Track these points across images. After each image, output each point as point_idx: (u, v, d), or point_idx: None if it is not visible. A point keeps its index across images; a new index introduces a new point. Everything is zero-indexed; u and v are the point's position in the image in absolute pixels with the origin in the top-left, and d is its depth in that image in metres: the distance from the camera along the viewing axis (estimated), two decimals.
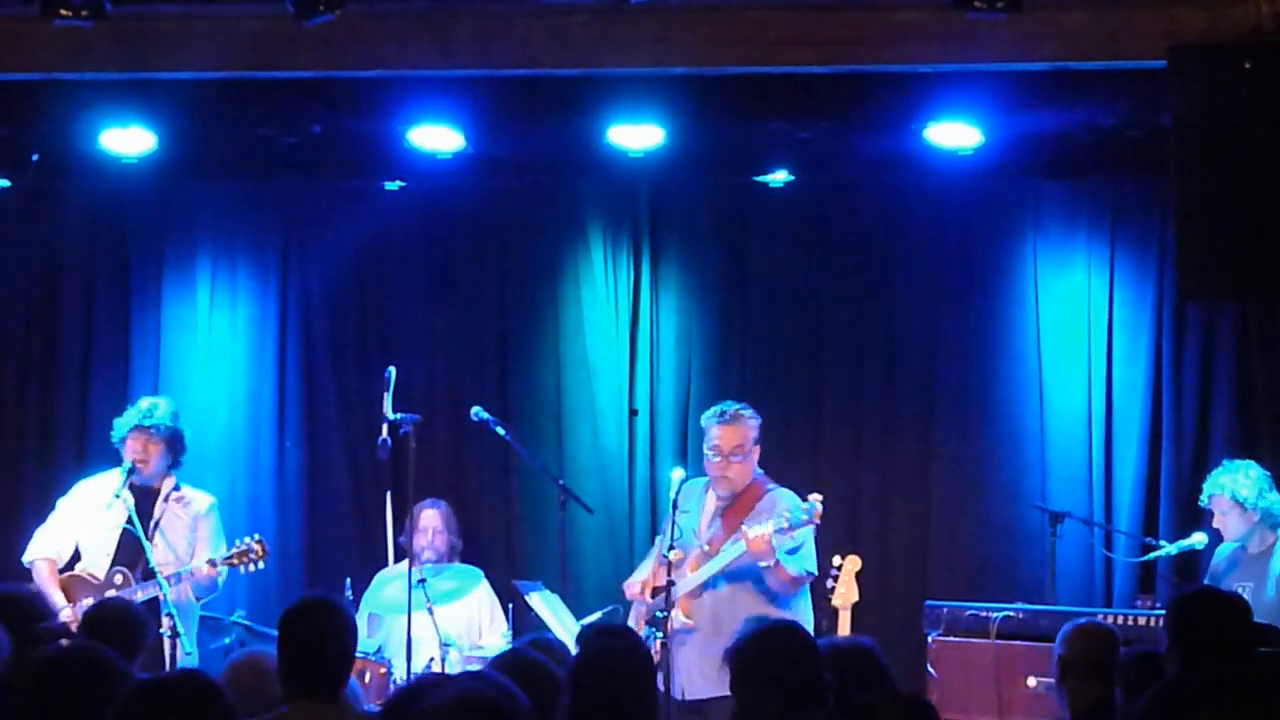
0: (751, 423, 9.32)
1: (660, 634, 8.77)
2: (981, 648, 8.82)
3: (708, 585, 9.12)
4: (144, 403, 9.83)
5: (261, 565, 9.52)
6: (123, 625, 6.78)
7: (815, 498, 8.93)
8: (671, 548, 8.88)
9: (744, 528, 8.93)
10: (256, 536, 9.51)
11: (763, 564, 8.92)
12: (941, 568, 10.57)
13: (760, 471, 9.37)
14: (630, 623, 9.27)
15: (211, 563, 9.42)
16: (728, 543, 9.06)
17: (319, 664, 5.60)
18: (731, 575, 9.05)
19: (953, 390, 10.75)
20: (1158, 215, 10.31)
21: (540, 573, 9.97)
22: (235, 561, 9.44)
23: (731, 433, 9.27)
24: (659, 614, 8.87)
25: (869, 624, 9.20)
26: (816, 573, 9.17)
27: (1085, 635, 6.64)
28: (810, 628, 8.86)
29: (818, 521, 8.92)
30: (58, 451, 10.97)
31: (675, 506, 9.03)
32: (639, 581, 9.40)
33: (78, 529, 9.66)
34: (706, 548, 9.11)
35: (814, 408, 10.85)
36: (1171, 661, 6.08)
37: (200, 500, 9.84)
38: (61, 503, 9.81)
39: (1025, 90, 9.16)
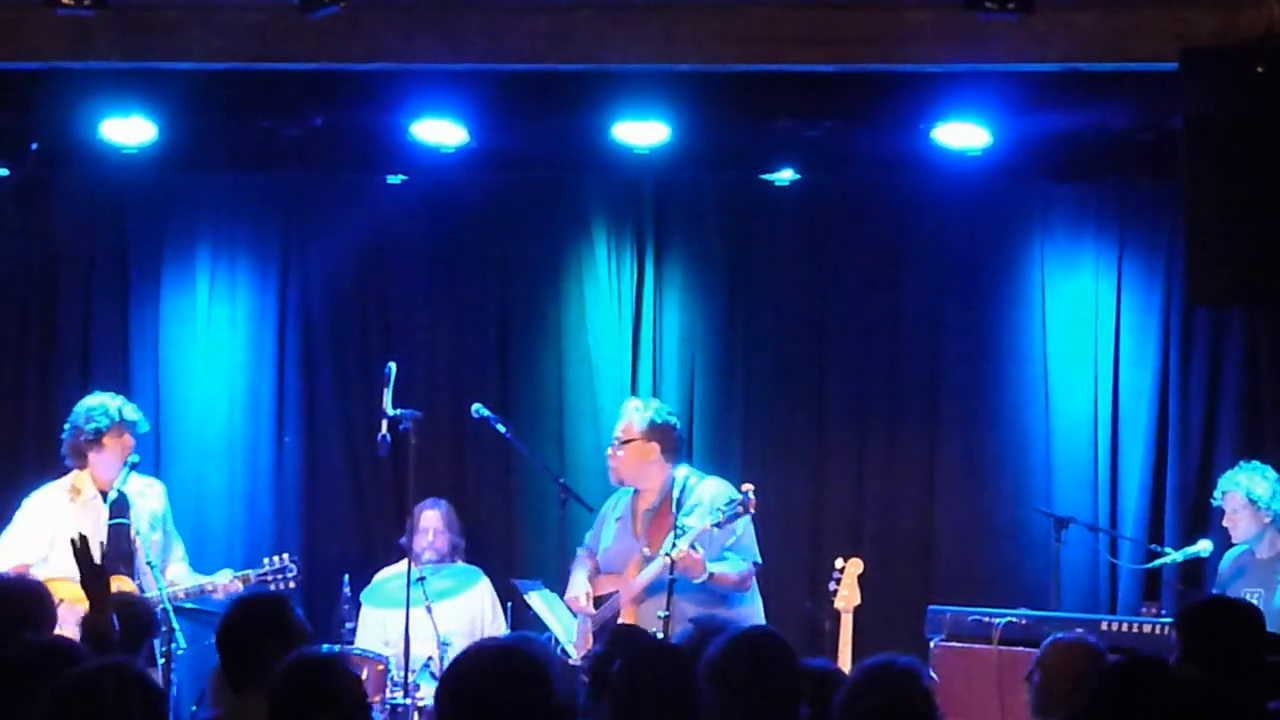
0: (635, 416, 9.34)
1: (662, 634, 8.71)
2: (984, 653, 8.77)
3: (651, 590, 9.03)
4: (111, 401, 9.70)
5: (292, 586, 9.45)
6: (131, 621, 6.74)
7: (747, 487, 8.90)
8: (675, 545, 8.83)
9: (665, 554, 8.86)
10: (289, 557, 9.45)
11: (697, 580, 8.88)
12: (945, 572, 10.50)
13: (682, 466, 9.31)
14: (578, 637, 9.23)
15: (243, 579, 9.34)
16: (656, 555, 8.98)
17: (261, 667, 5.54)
18: (676, 577, 8.95)
19: (958, 392, 10.69)
20: (1166, 219, 10.25)
21: (540, 572, 9.95)
22: (268, 580, 9.38)
23: (619, 424, 9.40)
24: (660, 614, 8.82)
25: (871, 628, 9.16)
26: (761, 561, 9.18)
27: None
28: (759, 620, 8.87)
29: (752, 510, 8.88)
30: (56, 447, 10.86)
31: (679, 506, 9.00)
32: (581, 594, 9.32)
33: (49, 535, 9.48)
34: (647, 551, 9.07)
35: (817, 408, 10.78)
36: (1183, 669, 6.03)
37: (155, 491, 9.74)
38: (28, 504, 9.67)
39: (1035, 91, 9.12)
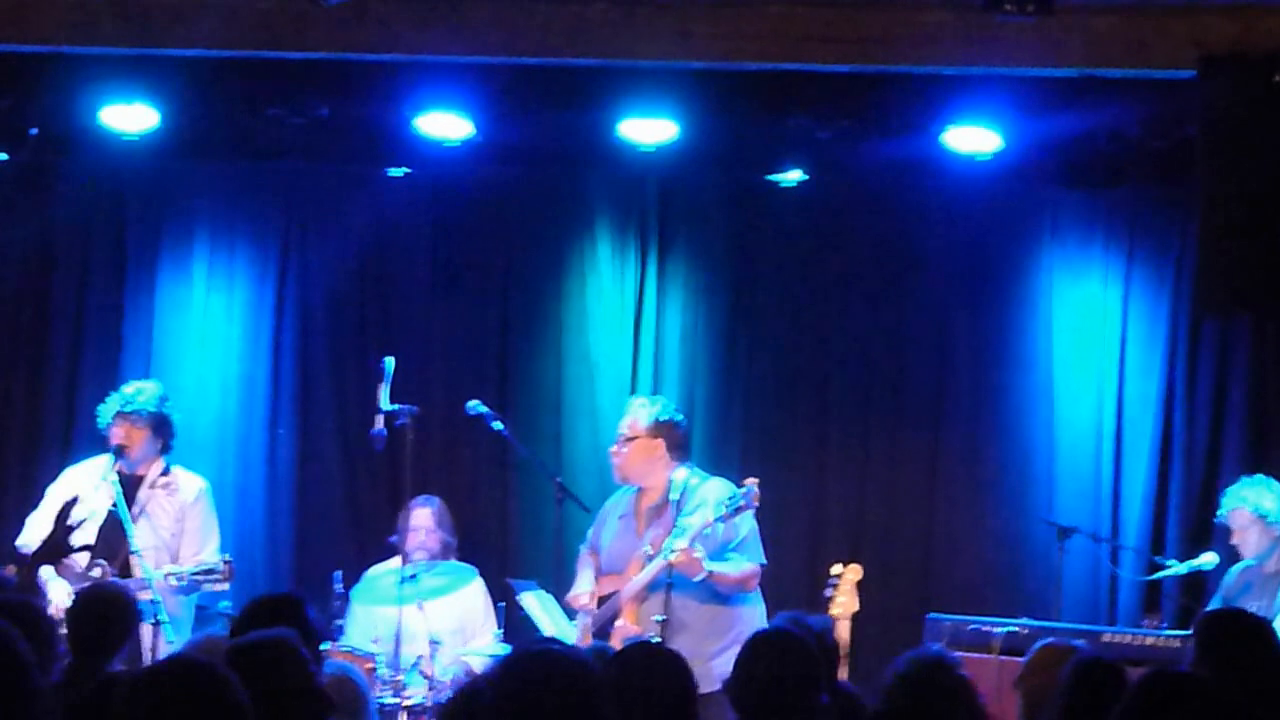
0: (641, 413, 9.26)
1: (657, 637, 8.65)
2: (984, 663, 8.67)
3: (651, 590, 8.96)
4: (128, 388, 9.69)
5: (225, 588, 9.32)
6: (114, 611, 6.68)
7: (751, 481, 8.83)
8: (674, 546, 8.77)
9: (667, 554, 8.80)
10: (226, 557, 9.31)
11: (696, 579, 8.82)
12: (945, 580, 10.46)
13: (682, 469, 9.22)
14: (578, 635, 9.14)
15: (177, 577, 9.21)
16: (656, 556, 8.91)
17: None
18: (674, 578, 8.90)
19: (961, 397, 10.65)
20: (1177, 227, 10.23)
21: (535, 571, 9.84)
22: (199, 580, 9.23)
23: (624, 421, 9.32)
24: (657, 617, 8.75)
25: (869, 635, 9.09)
26: (766, 562, 9.11)
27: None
28: (762, 623, 8.76)
29: (755, 504, 8.82)
30: (44, 433, 10.82)
31: (679, 507, 8.94)
32: (585, 593, 9.26)
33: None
34: (649, 549, 9.00)
35: (819, 411, 10.73)
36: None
37: (189, 487, 9.65)
38: (51, 489, 9.62)
39: (1049, 95, 9.13)
